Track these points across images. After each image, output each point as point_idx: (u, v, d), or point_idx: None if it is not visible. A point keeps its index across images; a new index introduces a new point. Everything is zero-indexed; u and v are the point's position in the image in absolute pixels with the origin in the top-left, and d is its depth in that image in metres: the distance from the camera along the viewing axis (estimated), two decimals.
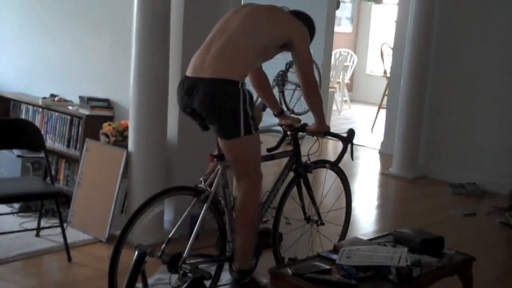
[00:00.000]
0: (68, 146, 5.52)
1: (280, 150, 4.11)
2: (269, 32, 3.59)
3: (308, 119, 3.93)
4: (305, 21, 3.80)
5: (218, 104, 3.41)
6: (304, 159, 4.17)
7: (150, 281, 3.93)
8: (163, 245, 3.39)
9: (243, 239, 3.64)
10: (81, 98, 5.43)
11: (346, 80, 13.12)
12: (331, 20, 9.77)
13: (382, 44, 11.50)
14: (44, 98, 5.68)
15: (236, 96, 3.41)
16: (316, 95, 3.82)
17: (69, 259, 4.41)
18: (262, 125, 4.19)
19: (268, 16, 3.63)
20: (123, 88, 5.12)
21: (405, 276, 3.10)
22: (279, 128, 4.27)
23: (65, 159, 5.55)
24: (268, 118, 4.92)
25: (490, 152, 7.25)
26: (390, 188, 7.43)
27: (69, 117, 5.50)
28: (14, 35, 6.55)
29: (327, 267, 3.20)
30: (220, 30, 3.60)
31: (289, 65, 7.94)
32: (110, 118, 5.34)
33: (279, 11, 3.72)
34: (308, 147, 4.15)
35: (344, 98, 12.89)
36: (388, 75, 9.62)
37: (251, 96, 3.49)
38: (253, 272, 3.74)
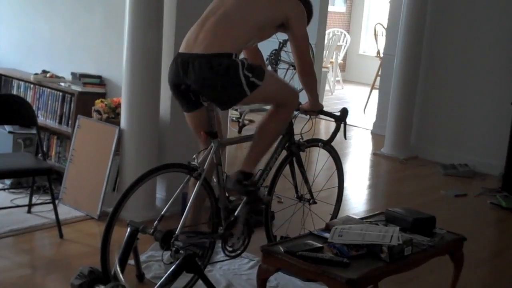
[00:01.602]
0: (60, 122, 5.49)
1: None
2: (266, 9, 3.57)
3: (301, 98, 3.92)
4: (304, 2, 3.78)
5: (215, 78, 3.38)
6: (297, 137, 4.17)
7: (142, 258, 3.94)
8: (156, 222, 3.39)
9: (260, 144, 3.70)
10: (73, 74, 5.40)
11: (339, 60, 13.10)
12: (324, 0, 9.74)
13: (376, 24, 11.47)
14: (36, 74, 5.64)
15: (232, 66, 3.39)
16: (310, 74, 3.82)
17: (61, 235, 4.41)
18: (255, 105, 4.19)
19: None
20: (115, 65, 5.09)
21: (397, 254, 3.11)
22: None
23: (57, 136, 5.53)
24: None
25: (481, 133, 7.27)
26: (382, 168, 7.44)
27: (61, 94, 5.48)
28: (5, 10, 6.49)
29: (319, 245, 3.20)
30: (216, 7, 3.58)
31: (282, 44, 7.92)
32: (102, 95, 5.32)
33: None
34: (301, 126, 4.15)
35: (337, 78, 12.88)
36: (381, 55, 9.60)
37: (247, 61, 3.48)
38: (254, 177, 3.75)
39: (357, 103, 11.19)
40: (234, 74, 3.39)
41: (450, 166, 7.10)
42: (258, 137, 3.72)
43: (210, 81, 3.41)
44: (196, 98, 3.54)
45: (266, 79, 3.52)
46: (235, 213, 3.75)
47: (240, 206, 3.75)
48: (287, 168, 4.19)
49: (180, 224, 3.39)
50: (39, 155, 4.77)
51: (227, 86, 3.42)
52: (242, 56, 3.69)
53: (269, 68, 7.91)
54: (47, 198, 4.66)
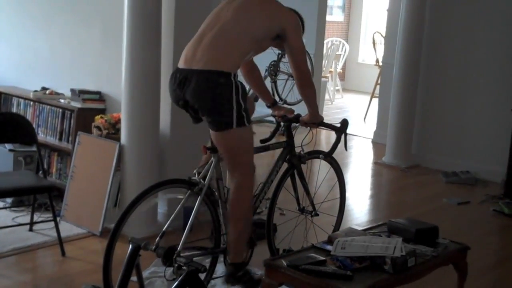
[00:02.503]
0: (60, 139, 5.49)
1: (273, 141, 4.10)
2: (262, 22, 3.57)
3: (301, 109, 3.93)
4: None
5: (210, 96, 3.40)
6: (297, 149, 4.16)
7: (145, 274, 3.93)
8: (158, 238, 3.38)
9: (236, 232, 3.63)
10: (72, 90, 5.40)
11: (338, 69, 13.10)
12: (322, 9, 9.75)
13: (374, 33, 11.48)
14: (35, 91, 5.64)
15: (228, 87, 3.40)
16: (309, 86, 3.81)
17: (63, 253, 4.40)
18: (255, 115, 4.18)
19: (261, 6, 3.62)
20: (115, 81, 5.10)
21: (400, 266, 3.10)
22: (272, 118, 4.26)
23: (57, 153, 5.53)
24: (261, 109, 4.92)
25: (483, 140, 7.26)
26: (383, 177, 7.43)
27: (60, 110, 5.47)
28: (3, 28, 6.50)
29: (322, 258, 3.19)
30: (212, 21, 3.58)
31: (281, 55, 7.92)
32: (102, 111, 5.32)
33: (271, 1, 3.70)
34: (301, 138, 4.14)
35: (337, 88, 12.87)
36: (381, 63, 9.60)
37: (243, 88, 3.48)
38: (247, 264, 3.74)
39: (357, 112, 11.18)
40: (227, 96, 3.40)
41: (452, 174, 7.09)
42: (232, 227, 3.65)
43: (204, 99, 3.41)
44: (195, 113, 3.54)
45: (249, 127, 3.54)
46: None
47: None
48: (288, 181, 4.18)
49: (182, 240, 3.38)
50: (40, 172, 4.76)
51: (218, 107, 3.42)
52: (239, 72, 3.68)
53: (268, 80, 7.91)
54: (49, 215, 4.64)
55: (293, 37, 3.68)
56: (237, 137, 3.51)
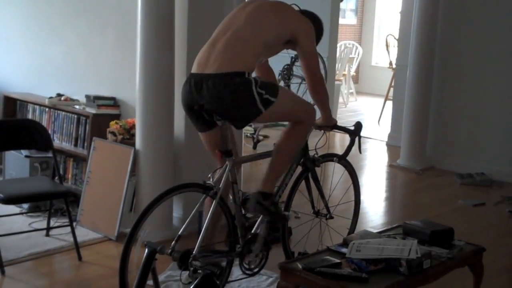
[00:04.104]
0: (75, 145, 5.53)
1: None
2: (274, 27, 3.59)
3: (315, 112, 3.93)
4: (313, 21, 3.80)
5: (230, 97, 3.41)
6: (311, 153, 4.17)
7: (161, 278, 3.95)
8: (173, 242, 3.39)
9: (277, 163, 3.71)
10: (87, 97, 5.43)
11: (352, 72, 13.09)
12: (335, 13, 9.76)
13: (387, 35, 11.46)
14: (51, 97, 5.68)
15: (246, 84, 3.41)
16: (322, 90, 3.83)
17: (79, 258, 4.43)
18: None
19: (274, 11, 3.63)
20: (129, 86, 5.13)
21: (416, 268, 3.10)
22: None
23: (73, 158, 5.56)
24: None
25: (498, 141, 7.23)
26: (398, 180, 7.41)
27: (76, 116, 5.51)
28: (18, 35, 6.56)
29: (337, 260, 3.20)
30: (225, 27, 3.60)
31: (294, 59, 7.93)
32: (117, 116, 5.35)
33: (284, 7, 3.71)
34: (315, 141, 4.15)
35: (350, 91, 12.86)
36: (394, 66, 9.59)
37: (260, 79, 3.50)
38: (273, 197, 3.75)
39: (371, 115, 11.16)
40: (247, 91, 3.41)
41: (467, 175, 7.06)
42: (276, 156, 3.72)
43: (224, 100, 3.42)
44: (210, 117, 3.56)
45: (280, 96, 3.54)
46: (252, 231, 3.75)
47: (259, 224, 3.75)
48: (303, 184, 4.18)
49: (197, 244, 3.40)
50: (56, 178, 4.80)
51: (241, 104, 3.44)
52: (253, 74, 3.69)
53: (281, 83, 7.92)
54: (65, 220, 4.68)
55: (304, 42, 3.69)
56: (273, 113, 3.56)
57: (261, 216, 3.75)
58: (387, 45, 11.31)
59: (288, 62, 8.03)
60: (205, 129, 3.69)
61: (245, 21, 3.55)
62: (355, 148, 4.14)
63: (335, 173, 4.59)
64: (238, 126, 3.61)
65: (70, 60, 6.01)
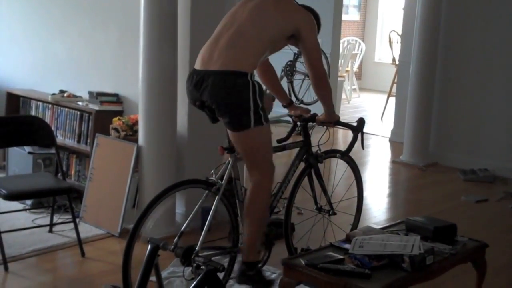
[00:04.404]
0: (78, 141, 5.53)
1: (290, 140, 4.10)
2: (277, 22, 3.58)
3: (318, 109, 3.93)
4: (311, 14, 3.79)
5: (228, 96, 3.41)
6: (314, 149, 4.17)
7: (164, 274, 3.95)
8: (176, 238, 3.40)
9: (251, 231, 3.62)
10: (90, 93, 5.44)
11: (355, 69, 13.08)
12: (338, 9, 9.74)
13: (390, 32, 11.45)
14: (54, 94, 5.69)
15: (245, 87, 3.41)
16: (325, 85, 3.81)
17: (83, 254, 4.43)
18: (271, 115, 4.20)
19: (276, 6, 3.62)
20: (132, 83, 5.13)
21: (419, 264, 3.10)
22: (289, 118, 4.26)
23: (76, 155, 5.57)
24: (278, 109, 4.92)
25: (501, 137, 7.22)
26: (401, 176, 7.41)
27: (78, 113, 5.52)
28: (21, 32, 6.56)
29: (340, 256, 3.20)
30: (229, 23, 3.59)
31: (297, 55, 7.92)
32: (119, 113, 5.35)
33: (286, 1, 3.70)
34: (318, 137, 4.15)
35: (353, 87, 12.85)
36: (397, 62, 9.58)
37: (260, 87, 3.49)
38: (259, 263, 3.74)
39: (374, 111, 11.16)
40: (244, 96, 3.40)
41: (470, 172, 7.06)
42: (248, 223, 3.63)
43: (222, 99, 3.42)
44: (212, 113, 3.56)
45: (267, 126, 3.53)
46: None
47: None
48: (305, 180, 4.18)
49: (200, 240, 3.40)
50: (59, 174, 4.80)
51: (236, 108, 3.43)
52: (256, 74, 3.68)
53: (284, 80, 7.91)
54: (68, 217, 4.68)
55: (308, 37, 3.68)
56: (255, 136, 3.51)
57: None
58: (390, 41, 11.30)
59: (291, 58, 8.02)
60: (213, 122, 3.68)
61: (248, 17, 3.55)
62: (358, 144, 4.14)
63: (338, 169, 4.59)
64: (229, 128, 3.54)
65: (73, 56, 6.01)
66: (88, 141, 5.36)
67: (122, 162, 4.87)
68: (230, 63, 3.44)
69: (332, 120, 4.02)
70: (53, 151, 4.94)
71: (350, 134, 4.15)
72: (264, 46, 3.56)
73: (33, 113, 5.96)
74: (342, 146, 7.50)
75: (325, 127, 4.14)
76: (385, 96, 10.80)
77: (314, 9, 3.88)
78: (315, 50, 3.71)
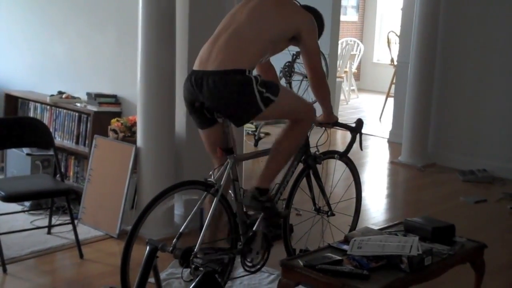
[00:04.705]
0: (77, 143, 5.53)
1: None
2: (277, 24, 3.58)
3: (316, 109, 3.93)
4: (314, 16, 3.79)
5: (229, 95, 3.40)
6: (313, 150, 4.17)
7: (162, 275, 3.95)
8: (174, 239, 3.39)
9: (274, 161, 3.69)
10: (88, 94, 5.44)
11: (353, 69, 13.09)
12: (336, 9, 9.74)
13: (389, 32, 11.45)
14: (52, 95, 5.69)
15: (246, 81, 3.41)
16: (323, 87, 3.82)
17: (81, 255, 4.43)
18: None
19: (276, 7, 3.62)
20: (130, 84, 5.13)
21: (417, 265, 3.10)
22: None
23: (74, 156, 5.57)
24: None
25: (500, 138, 7.23)
26: (399, 176, 7.42)
27: (77, 114, 5.52)
28: (20, 33, 6.56)
29: (339, 258, 3.20)
30: (227, 23, 3.59)
31: (295, 56, 7.92)
32: (118, 114, 5.35)
33: (287, 2, 3.70)
34: (316, 138, 4.15)
35: (352, 88, 12.86)
36: (395, 63, 9.59)
37: (262, 78, 3.49)
38: (270, 192, 3.75)
39: (372, 112, 11.16)
40: (248, 89, 3.41)
41: (468, 172, 7.06)
42: (274, 153, 3.71)
43: (224, 98, 3.42)
44: (211, 115, 3.56)
45: (281, 94, 3.53)
46: (254, 228, 3.75)
47: (258, 221, 3.75)
48: (304, 181, 4.18)
49: (198, 241, 3.40)
50: (57, 176, 4.80)
51: (242, 102, 3.44)
52: (255, 72, 3.69)
53: (283, 80, 7.91)
54: (67, 218, 4.68)
55: (307, 38, 3.68)
56: (274, 111, 3.56)
57: (261, 214, 3.75)
58: (388, 42, 11.30)
59: (289, 59, 8.02)
60: (205, 126, 3.68)
61: (247, 18, 3.54)
62: (356, 145, 4.14)
63: (336, 170, 4.59)
64: (237, 124, 3.61)
65: (71, 57, 6.02)
66: (87, 142, 5.36)
67: (121, 163, 4.87)
68: (228, 62, 3.44)
69: (331, 121, 4.03)
70: (51, 152, 4.95)
71: (348, 135, 4.16)
72: (263, 46, 3.56)
73: (31, 114, 5.96)
74: (340, 147, 7.51)
75: (323, 128, 4.14)
76: (384, 96, 10.80)
77: (317, 10, 3.88)
78: (315, 52, 3.72)
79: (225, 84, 3.40)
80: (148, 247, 3.32)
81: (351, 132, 4.13)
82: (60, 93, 5.71)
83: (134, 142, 4.87)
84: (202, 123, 3.67)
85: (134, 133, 4.98)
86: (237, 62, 3.45)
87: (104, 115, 5.27)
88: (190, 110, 3.67)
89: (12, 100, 6.15)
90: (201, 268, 3.29)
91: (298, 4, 3.79)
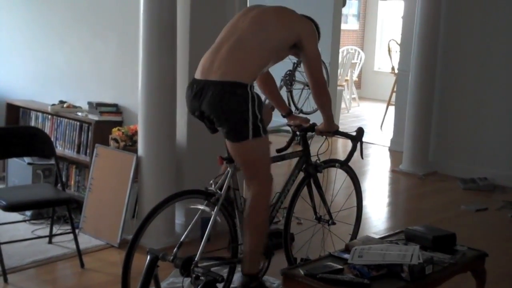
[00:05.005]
0: (78, 152, 5.54)
1: (289, 150, 4.11)
2: (279, 32, 3.59)
3: (317, 118, 3.94)
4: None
5: (226, 107, 3.41)
6: (313, 159, 4.17)
7: (163, 285, 3.95)
8: (175, 249, 3.40)
9: (252, 243, 3.62)
10: (89, 103, 5.45)
11: (354, 78, 13.10)
12: (337, 18, 9.76)
13: (390, 41, 11.48)
14: (53, 104, 5.70)
15: (245, 98, 3.41)
16: (325, 95, 3.82)
17: (82, 265, 4.43)
18: (271, 125, 4.20)
19: (277, 16, 3.63)
20: (131, 93, 5.14)
21: (418, 274, 3.10)
22: (288, 128, 4.27)
23: (76, 165, 5.57)
24: (277, 118, 4.92)
25: (500, 146, 7.23)
26: (400, 185, 7.41)
27: (78, 123, 5.52)
28: (21, 42, 6.58)
29: (340, 266, 3.20)
30: (229, 32, 3.60)
31: (296, 65, 7.93)
32: (119, 123, 5.36)
33: (287, 11, 3.72)
34: (317, 147, 4.15)
35: (353, 96, 12.87)
36: (396, 71, 9.60)
37: (259, 99, 3.49)
38: (261, 275, 3.73)
39: (373, 120, 11.17)
40: (243, 107, 3.40)
41: (469, 181, 7.06)
42: (248, 236, 3.62)
43: (220, 110, 3.42)
44: (210, 124, 3.56)
45: (266, 138, 3.53)
46: None
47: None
48: (305, 190, 4.18)
49: (199, 250, 3.40)
50: (59, 185, 4.80)
51: (234, 119, 3.43)
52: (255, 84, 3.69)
53: (284, 89, 7.92)
54: (68, 228, 4.68)
55: (309, 46, 3.69)
56: (254, 148, 3.51)
57: None
58: (389, 50, 11.33)
59: (290, 68, 8.03)
60: (212, 132, 3.69)
61: (249, 27, 3.55)
62: (357, 153, 4.15)
63: (337, 179, 4.59)
64: (228, 138, 3.53)
65: (72, 67, 6.03)
66: (88, 151, 5.37)
67: (122, 172, 4.87)
68: (230, 73, 3.44)
69: (331, 130, 4.02)
70: (52, 161, 4.95)
71: (349, 143, 4.16)
72: (266, 56, 3.57)
73: (32, 123, 5.97)
74: (341, 155, 7.51)
75: (324, 136, 4.15)
76: (385, 105, 10.81)
77: (314, 19, 3.90)
78: (316, 59, 3.72)
79: (224, 96, 3.40)
80: (149, 256, 3.32)
81: (351, 141, 4.13)
82: (62, 102, 5.72)
83: (135, 151, 4.87)
84: (208, 129, 3.68)
85: (135, 142, 4.98)
86: (239, 74, 3.45)
87: (105, 124, 5.28)
88: (195, 118, 3.67)
89: (14, 110, 6.16)
90: (202, 278, 3.29)
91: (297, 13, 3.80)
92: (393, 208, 6.50)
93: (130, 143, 5.05)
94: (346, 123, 10.30)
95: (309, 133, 4.12)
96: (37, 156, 5.22)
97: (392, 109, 9.47)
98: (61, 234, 4.82)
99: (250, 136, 3.43)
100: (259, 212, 3.62)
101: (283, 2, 3.93)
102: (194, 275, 3.32)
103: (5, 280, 4.15)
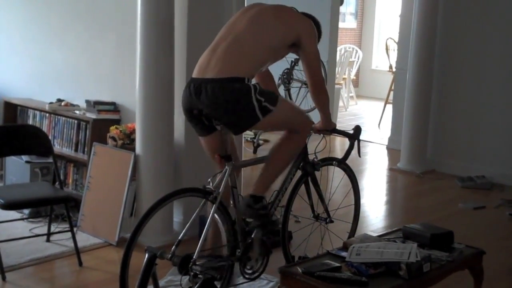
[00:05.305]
0: (76, 150, 5.53)
1: None
2: (277, 31, 3.60)
3: (314, 116, 3.94)
4: (313, 21, 3.81)
5: (227, 103, 3.41)
6: (311, 157, 4.17)
7: (161, 283, 3.95)
8: (173, 247, 3.39)
9: (268, 169, 3.74)
10: (87, 102, 5.44)
11: (352, 76, 13.10)
12: (335, 16, 9.76)
13: (387, 39, 11.48)
14: (51, 103, 5.70)
15: (245, 90, 3.42)
16: (323, 93, 3.83)
17: (80, 263, 4.43)
18: None
19: (276, 15, 3.64)
20: (129, 91, 5.14)
21: (416, 271, 3.10)
22: None
23: (73, 164, 5.57)
24: None
25: (498, 144, 7.23)
26: (398, 183, 7.42)
27: (76, 122, 5.52)
28: (19, 41, 6.57)
29: (337, 264, 3.20)
30: (227, 32, 3.61)
31: (294, 63, 7.93)
32: (117, 122, 5.36)
33: (286, 10, 3.72)
34: (315, 145, 4.16)
35: (350, 94, 12.87)
36: (394, 69, 9.60)
37: (260, 87, 3.50)
38: (265, 200, 3.76)
39: (371, 118, 11.17)
40: (246, 98, 3.42)
41: (467, 179, 7.06)
42: (270, 161, 3.74)
43: (222, 105, 3.43)
44: (209, 122, 3.57)
45: (279, 105, 3.54)
46: (252, 235, 3.75)
47: (255, 229, 3.76)
48: (302, 188, 4.19)
49: (197, 248, 3.40)
50: (56, 183, 4.80)
51: (240, 110, 3.44)
52: (253, 81, 3.70)
53: (281, 88, 7.92)
54: (66, 226, 4.68)
55: (308, 45, 3.70)
56: (271, 121, 3.58)
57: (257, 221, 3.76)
58: (387, 49, 11.33)
59: (288, 66, 8.03)
60: (205, 133, 3.70)
61: (247, 26, 3.56)
62: (354, 152, 4.15)
63: (335, 177, 4.59)
64: (235, 131, 3.62)
65: (70, 65, 6.02)
66: (86, 150, 5.37)
67: (120, 170, 4.87)
68: (227, 70, 3.45)
69: (329, 128, 4.03)
70: (50, 160, 4.95)
71: (347, 141, 4.17)
72: (264, 54, 3.58)
73: (30, 122, 5.97)
74: (339, 153, 7.51)
75: (322, 134, 4.15)
76: (382, 103, 10.81)
77: (315, 17, 3.90)
78: (315, 57, 3.74)
79: (224, 92, 3.41)
80: (147, 254, 3.32)
81: (349, 139, 4.14)
82: (59, 100, 5.72)
83: (133, 149, 4.88)
84: (201, 130, 3.68)
85: (133, 141, 4.98)
86: (236, 70, 3.46)
87: (103, 123, 5.28)
88: (189, 118, 3.68)
89: (11, 108, 6.15)
90: (200, 276, 3.29)
91: (297, 11, 3.80)
92: (391, 206, 6.50)
93: (128, 142, 5.05)
94: (344, 122, 10.30)
95: None
96: (35, 154, 5.22)
97: (389, 107, 9.48)
98: (59, 232, 4.81)
99: (261, 117, 3.48)
100: (293, 147, 3.81)
101: (282, 1, 3.93)
102: (192, 273, 3.32)
103: (3, 278, 4.15)
